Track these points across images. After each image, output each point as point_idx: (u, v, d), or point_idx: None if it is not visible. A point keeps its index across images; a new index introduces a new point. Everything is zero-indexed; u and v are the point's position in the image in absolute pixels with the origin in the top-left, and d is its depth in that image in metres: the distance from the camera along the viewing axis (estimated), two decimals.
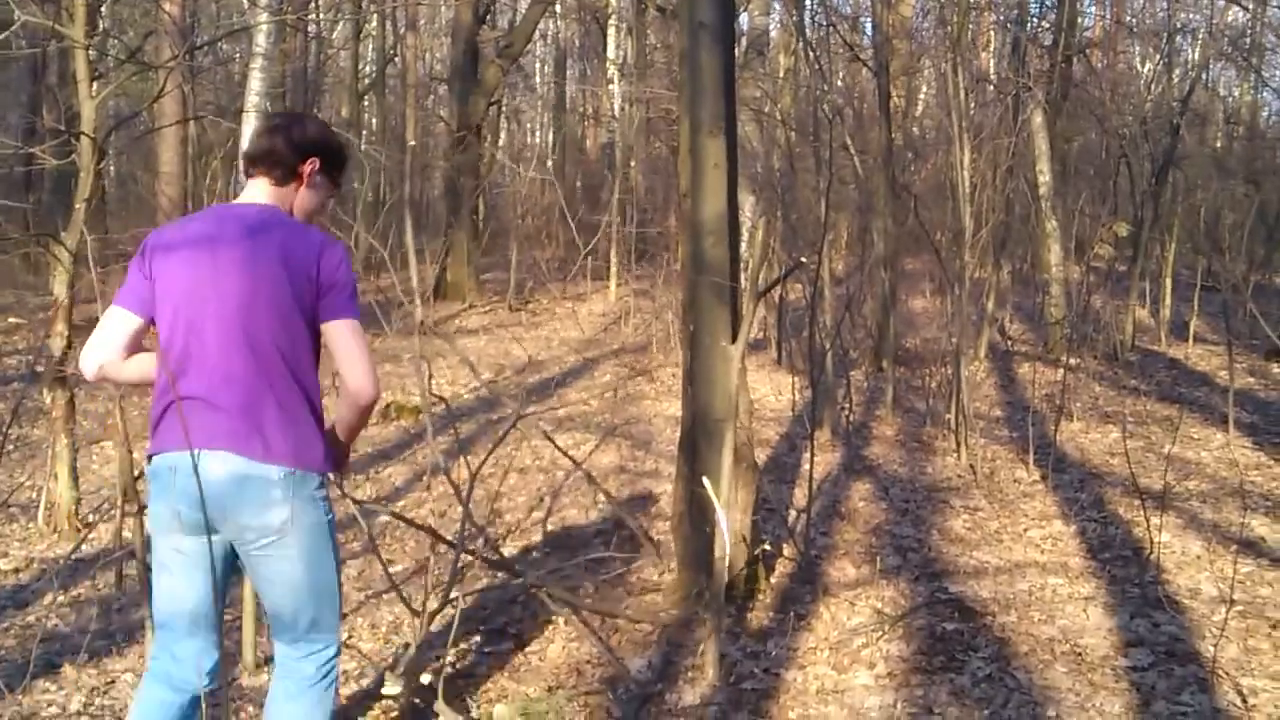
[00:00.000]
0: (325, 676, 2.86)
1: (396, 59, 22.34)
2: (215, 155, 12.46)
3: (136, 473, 4.33)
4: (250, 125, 12.12)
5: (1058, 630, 4.23)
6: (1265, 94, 21.64)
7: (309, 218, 2.84)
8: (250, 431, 2.60)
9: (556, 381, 9.47)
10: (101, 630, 4.32)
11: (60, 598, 4.68)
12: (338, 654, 2.90)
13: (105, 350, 2.69)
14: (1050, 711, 3.57)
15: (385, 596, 4.59)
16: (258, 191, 2.77)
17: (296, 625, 2.79)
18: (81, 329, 5.95)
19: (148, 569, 3.96)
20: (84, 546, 5.29)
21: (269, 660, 3.99)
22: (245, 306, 2.61)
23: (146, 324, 2.69)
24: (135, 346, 2.71)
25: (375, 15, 20.35)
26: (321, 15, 19.38)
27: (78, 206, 5.40)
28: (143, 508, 4.01)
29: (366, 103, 23.01)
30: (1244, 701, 3.58)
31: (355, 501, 3.42)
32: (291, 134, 2.77)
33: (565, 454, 5.39)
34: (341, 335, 2.65)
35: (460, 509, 5.70)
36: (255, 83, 12.24)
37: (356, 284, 2.73)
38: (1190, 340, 10.80)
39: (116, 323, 2.69)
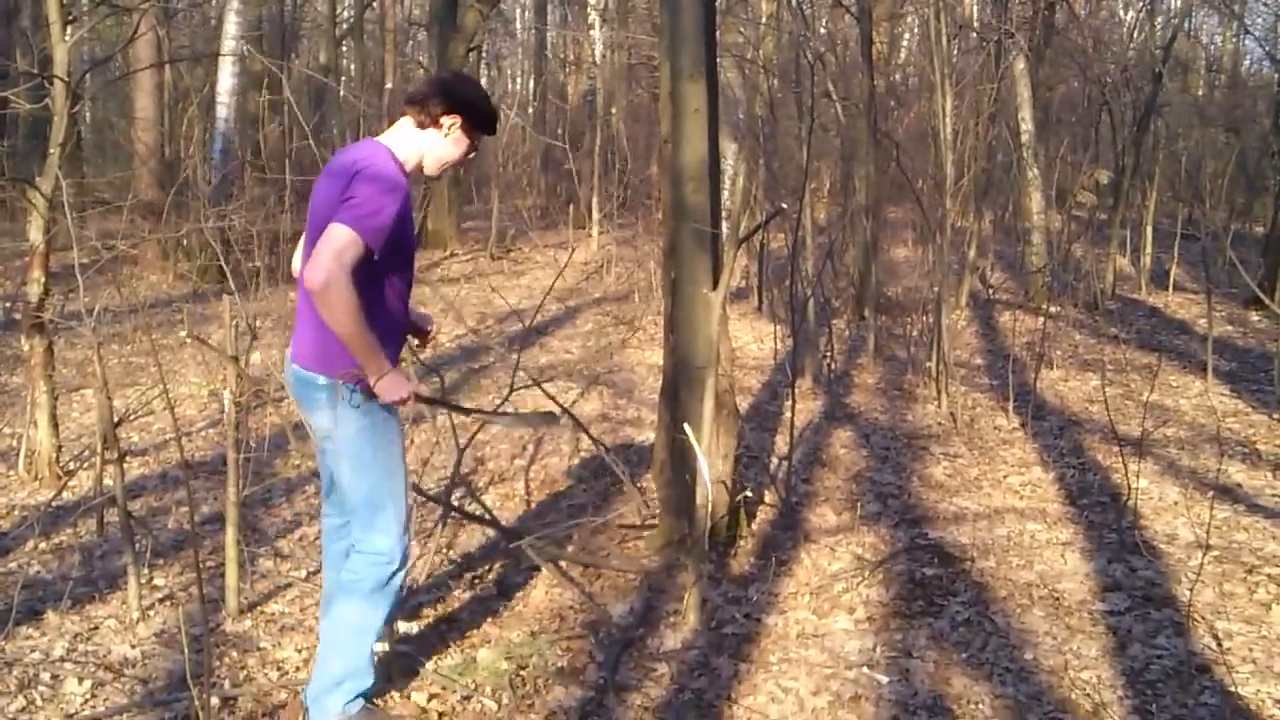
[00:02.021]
0: (373, 581, 3.07)
1: (375, 3, 22.05)
2: (192, 100, 12.29)
3: (116, 420, 4.32)
4: (227, 69, 12.00)
5: (1036, 575, 4.28)
6: (1247, 42, 21.60)
7: (442, 166, 3.12)
8: (299, 342, 3.03)
9: (539, 330, 9.46)
10: (84, 577, 4.32)
11: (42, 544, 4.67)
12: (392, 565, 3.08)
13: (299, 261, 3.12)
14: (1028, 655, 3.61)
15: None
16: (398, 127, 3.07)
17: (355, 521, 3.12)
18: (58, 275, 5.91)
19: (129, 515, 3.97)
20: (65, 493, 5.28)
21: (253, 606, 4.01)
22: (311, 230, 2.95)
23: None
24: None
25: None
26: None
27: (52, 151, 5.33)
28: (123, 455, 4.01)
29: (345, 48, 22.74)
30: (1219, 645, 3.63)
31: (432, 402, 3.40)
32: (447, 87, 3.05)
33: (555, 401, 5.39)
34: (327, 232, 2.79)
35: (440, 455, 5.72)
36: (231, 26, 12.09)
37: (375, 206, 2.81)
38: (1170, 288, 10.86)
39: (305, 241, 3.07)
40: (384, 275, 2.94)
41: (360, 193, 2.81)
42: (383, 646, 3.52)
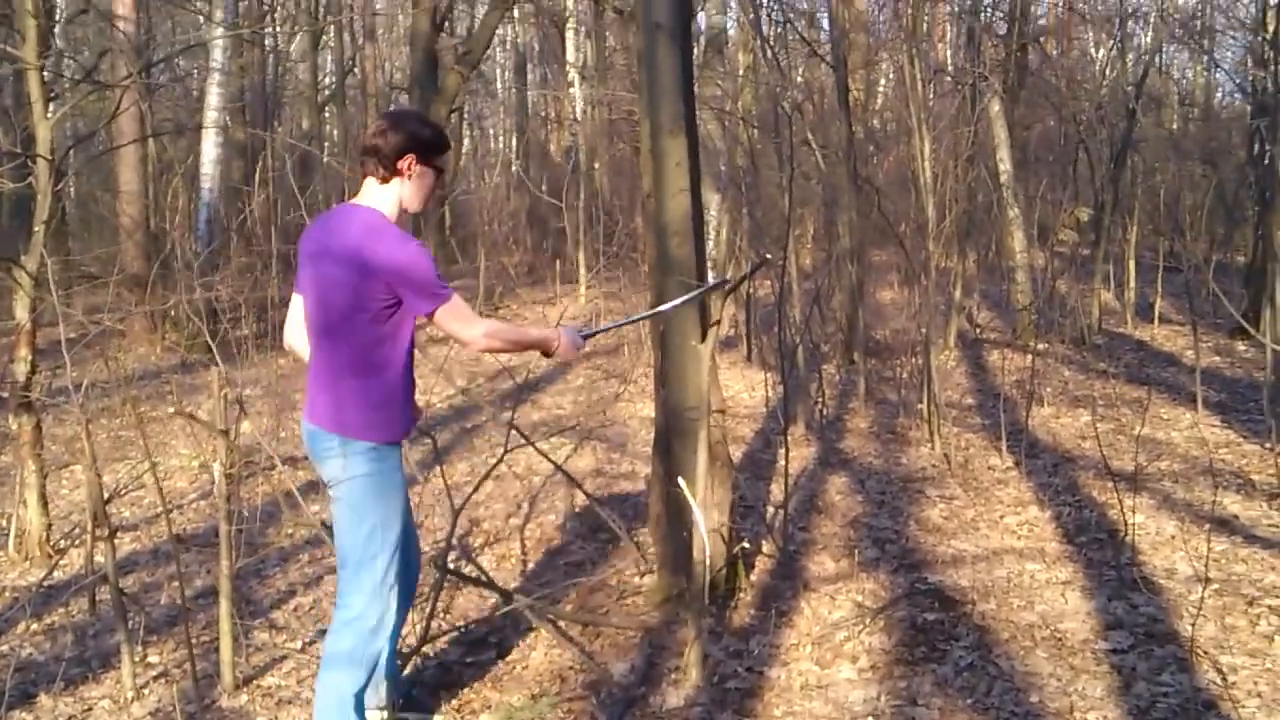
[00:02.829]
0: (350, 644, 3.14)
1: (355, 70, 22.24)
2: (176, 172, 12.35)
3: (106, 496, 4.29)
4: (210, 140, 12.07)
5: (1037, 616, 4.25)
6: (1218, 75, 21.85)
7: (423, 202, 3.26)
8: (314, 404, 3.17)
9: (530, 386, 9.45)
10: (77, 657, 4.27)
11: (34, 625, 4.62)
12: (368, 625, 3.16)
13: (290, 328, 3.32)
14: (1033, 697, 3.59)
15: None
16: (365, 188, 3.20)
17: (341, 576, 3.23)
18: (45, 352, 5.89)
19: (121, 593, 3.93)
20: (56, 572, 5.23)
21: (249, 680, 3.96)
22: (321, 308, 3.11)
23: None
24: None
25: (332, 26, 20.25)
26: (278, 28, 19.26)
27: (37, 229, 5.34)
28: (114, 531, 3.98)
29: (327, 114, 22.90)
30: (1223, 679, 3.61)
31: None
32: (387, 139, 3.14)
33: (548, 458, 5.39)
34: (439, 323, 3.10)
35: (435, 518, 5.69)
36: (213, 98, 12.18)
37: (423, 270, 3.05)
38: (1155, 321, 10.90)
39: (295, 305, 3.26)
40: (403, 327, 3.12)
41: (408, 274, 3.02)
42: (382, 716, 3.48)
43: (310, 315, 3.17)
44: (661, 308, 4.06)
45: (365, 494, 3.13)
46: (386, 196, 3.18)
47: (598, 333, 3.79)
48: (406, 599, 3.55)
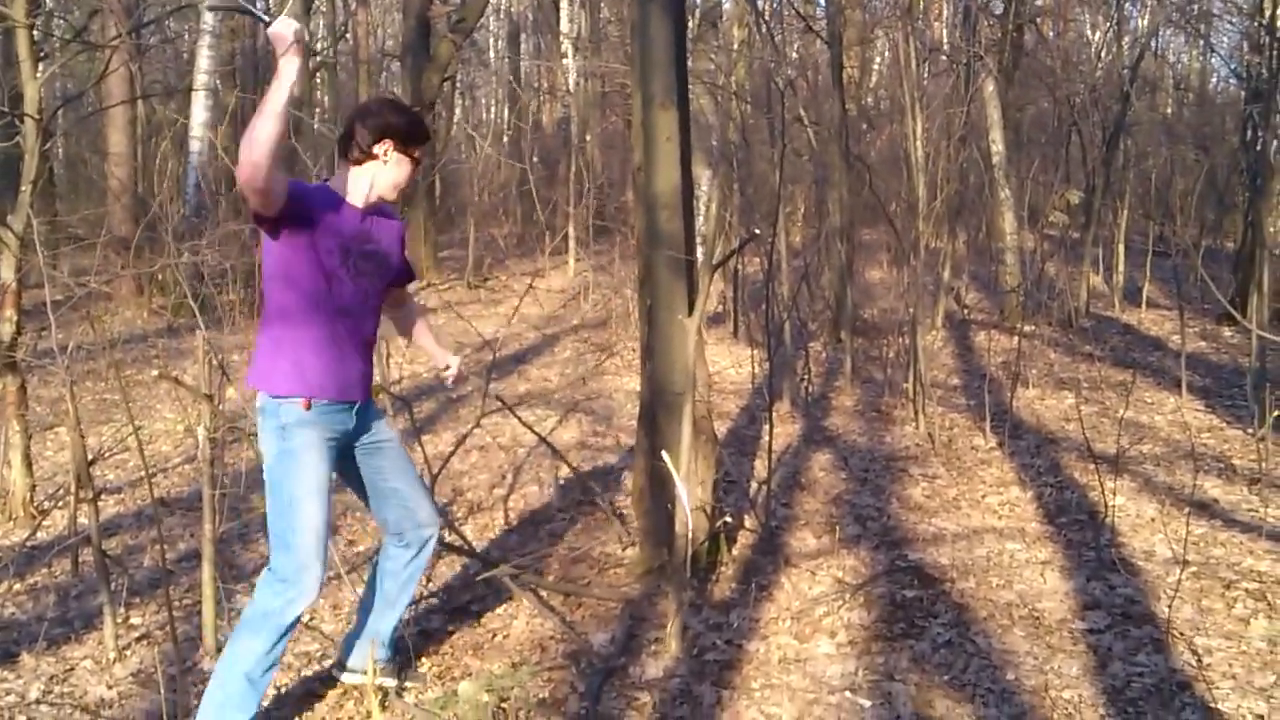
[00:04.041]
0: (264, 605, 3.09)
1: (348, 36, 22.09)
2: (165, 135, 12.27)
3: (90, 458, 4.29)
4: (200, 103, 11.99)
5: (1016, 595, 4.28)
6: (1213, 60, 21.86)
7: (396, 188, 3.24)
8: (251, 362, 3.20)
9: (518, 358, 9.45)
10: (59, 617, 4.28)
11: (16, 585, 4.63)
12: (288, 593, 3.10)
13: None
14: (1009, 675, 3.62)
15: (349, 576, 4.57)
16: (343, 171, 3.21)
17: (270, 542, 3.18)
18: (31, 313, 5.87)
19: (104, 555, 3.94)
20: (39, 533, 5.23)
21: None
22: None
23: None
24: None
25: None
26: None
27: (24, 189, 5.31)
28: (98, 493, 3.98)
29: (319, 80, 22.75)
30: (1198, 661, 3.65)
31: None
32: (367, 119, 3.16)
33: (531, 429, 5.39)
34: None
35: None
36: (203, 61, 12.11)
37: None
38: (1143, 305, 10.94)
39: None
40: (293, 264, 3.09)
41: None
42: (364, 679, 3.50)
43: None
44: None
45: (278, 471, 3.12)
46: (356, 177, 3.20)
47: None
48: (409, 583, 3.54)
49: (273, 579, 3.12)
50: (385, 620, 3.54)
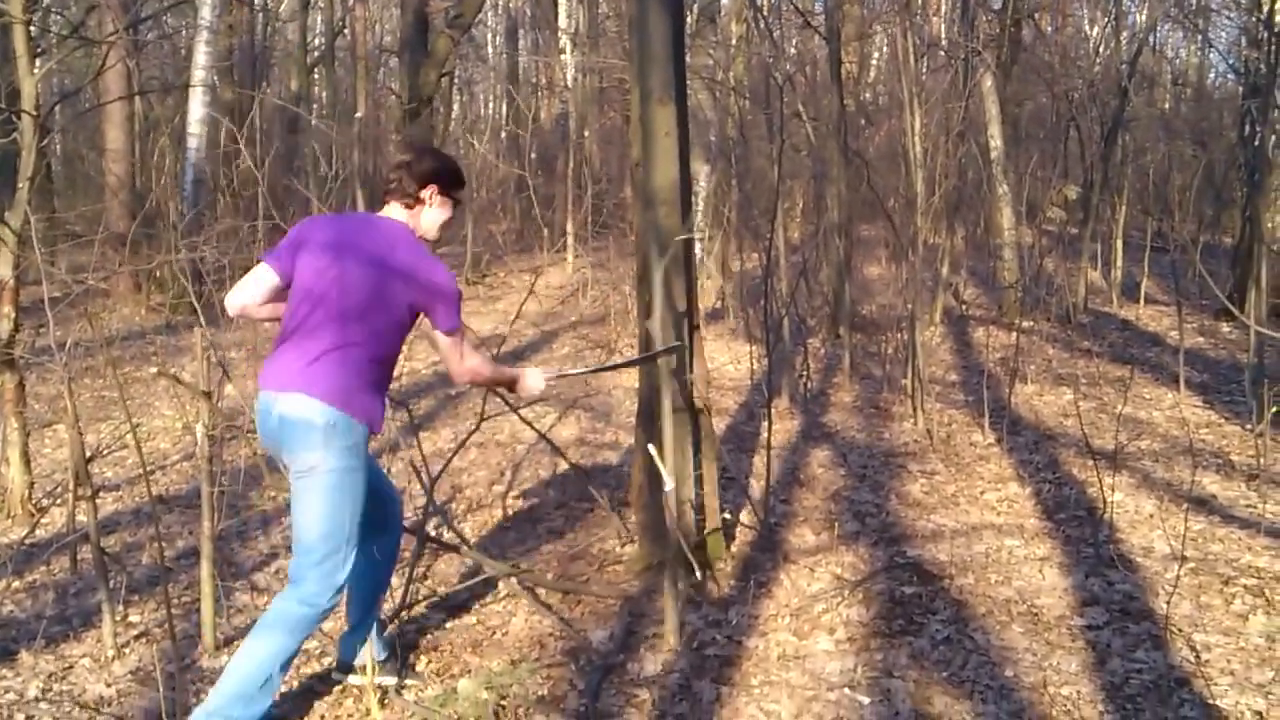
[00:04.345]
0: (294, 620, 3.19)
1: (345, 31, 22.04)
2: (163, 131, 12.26)
3: (88, 455, 4.28)
4: (197, 100, 11.98)
5: (1014, 591, 4.29)
6: (1211, 55, 21.85)
7: (441, 230, 3.48)
8: (311, 375, 3.20)
9: (516, 355, 9.45)
10: (58, 615, 4.27)
11: (15, 583, 4.63)
12: (315, 611, 3.22)
13: (248, 294, 3.32)
14: (1008, 671, 3.62)
15: None
16: (390, 209, 3.40)
17: (300, 557, 3.25)
18: (29, 310, 5.86)
19: (102, 552, 3.94)
20: (38, 531, 5.23)
21: (229, 641, 3.98)
22: (341, 291, 3.21)
23: (282, 286, 3.30)
24: (270, 298, 3.34)
25: None
26: None
27: (21, 186, 5.30)
28: (96, 490, 3.98)
29: (316, 76, 22.70)
30: (1197, 658, 3.65)
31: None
32: (412, 169, 3.37)
33: (530, 425, 5.39)
34: (440, 341, 3.36)
35: (419, 486, 5.69)
36: (201, 57, 12.07)
37: (451, 291, 3.30)
38: (1141, 301, 10.93)
39: (262, 275, 3.31)
40: (405, 330, 3.34)
41: (444, 293, 3.27)
42: (363, 678, 3.50)
43: (322, 301, 3.21)
44: (619, 362, 4.28)
45: (343, 486, 3.20)
46: (413, 221, 3.40)
47: (562, 376, 4.00)
48: (388, 564, 3.58)
49: (313, 590, 3.19)
50: (369, 619, 3.59)
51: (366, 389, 3.22)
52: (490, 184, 18.10)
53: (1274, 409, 5.71)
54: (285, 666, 3.20)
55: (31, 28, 5.72)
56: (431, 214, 3.43)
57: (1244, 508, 5.18)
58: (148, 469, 4.86)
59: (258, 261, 3.35)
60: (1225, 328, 9.85)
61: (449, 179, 3.44)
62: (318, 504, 3.18)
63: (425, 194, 3.38)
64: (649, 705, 3.48)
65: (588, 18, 18.67)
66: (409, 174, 3.36)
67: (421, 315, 3.33)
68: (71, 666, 3.84)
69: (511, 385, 3.60)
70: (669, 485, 3.83)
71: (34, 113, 5.33)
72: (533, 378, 3.61)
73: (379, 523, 3.51)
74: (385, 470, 6.14)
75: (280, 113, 16.53)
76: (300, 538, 3.21)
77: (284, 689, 3.63)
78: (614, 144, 16.68)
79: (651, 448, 3.97)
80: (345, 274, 3.21)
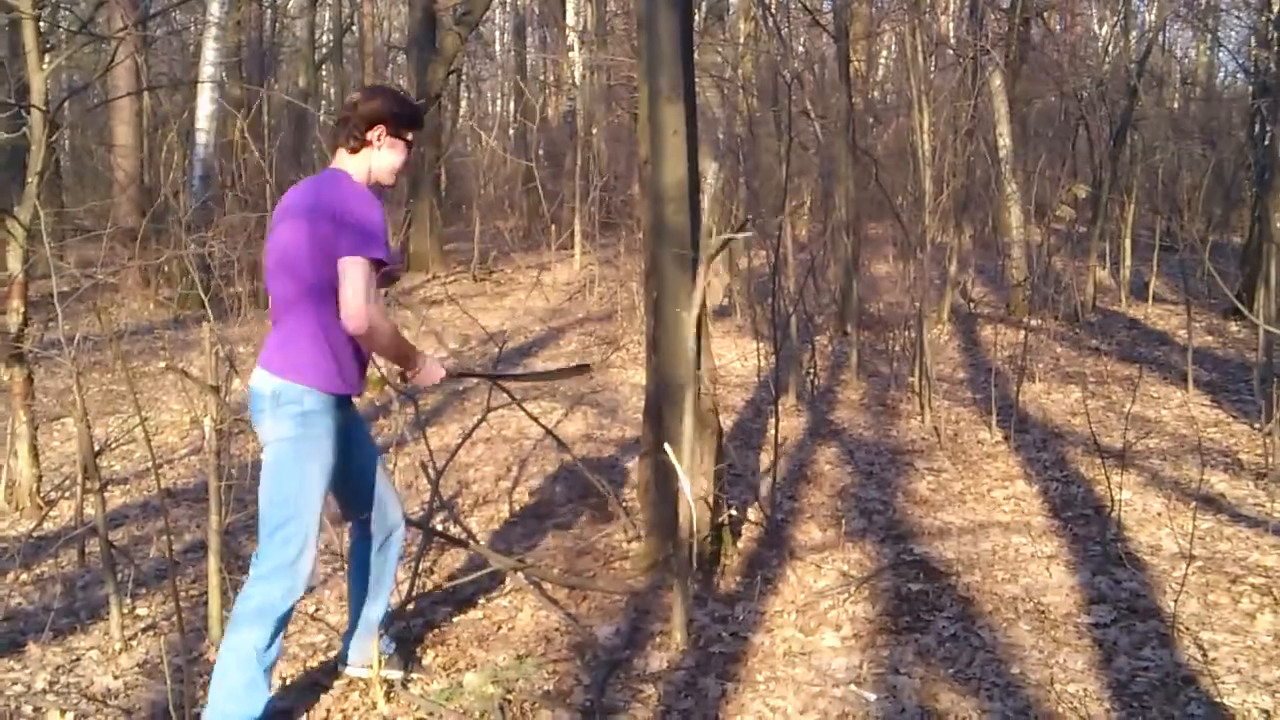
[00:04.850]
0: (259, 601, 3.11)
1: (354, 28, 22.09)
2: (171, 127, 12.28)
3: (97, 449, 4.29)
4: (206, 95, 11.99)
5: (1021, 589, 4.28)
6: (1220, 55, 21.80)
7: (393, 173, 3.30)
8: (266, 347, 3.20)
9: (523, 351, 9.46)
10: (65, 608, 4.28)
11: (23, 575, 4.64)
12: (281, 586, 3.13)
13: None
14: (1014, 669, 3.61)
15: None
16: (337, 157, 3.25)
17: (259, 535, 3.18)
18: (38, 304, 5.88)
19: (110, 545, 3.94)
20: (46, 524, 5.24)
21: None
22: (281, 269, 3.14)
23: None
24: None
25: None
26: None
27: (30, 180, 5.32)
28: (104, 484, 3.98)
29: (324, 72, 22.75)
30: (1204, 656, 3.64)
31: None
32: (359, 107, 3.22)
33: (537, 421, 5.38)
34: (342, 270, 3.02)
35: (424, 480, 5.70)
36: (210, 53, 12.08)
37: (365, 221, 3.05)
38: (1150, 300, 10.91)
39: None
40: (333, 284, 3.08)
41: (352, 211, 3.04)
42: (369, 672, 3.51)
43: (270, 272, 3.19)
44: (528, 377, 4.22)
45: (288, 454, 3.13)
46: (355, 165, 3.23)
47: (463, 374, 3.91)
48: (393, 560, 3.56)
49: (268, 568, 3.11)
50: (374, 610, 3.55)
51: (322, 352, 3.11)
52: (498, 180, 18.11)
53: None
54: (268, 659, 3.12)
55: (41, 23, 5.74)
56: (381, 156, 3.26)
57: (1252, 506, 5.17)
58: (156, 463, 4.87)
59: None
60: (1234, 327, 9.82)
61: (399, 118, 3.26)
62: (269, 473, 3.14)
63: (372, 135, 3.21)
64: (655, 701, 3.48)
65: (595, 15, 18.66)
66: (355, 115, 3.21)
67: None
68: (79, 659, 3.85)
69: (407, 363, 3.34)
70: (685, 483, 3.83)
71: (43, 108, 5.35)
72: (433, 365, 3.39)
73: (378, 518, 3.49)
74: (391, 465, 6.17)
75: (288, 108, 16.56)
76: (259, 511, 3.16)
77: (289, 682, 3.65)
78: (622, 141, 16.67)
79: (668, 446, 3.97)
80: (280, 241, 3.14)
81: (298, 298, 3.10)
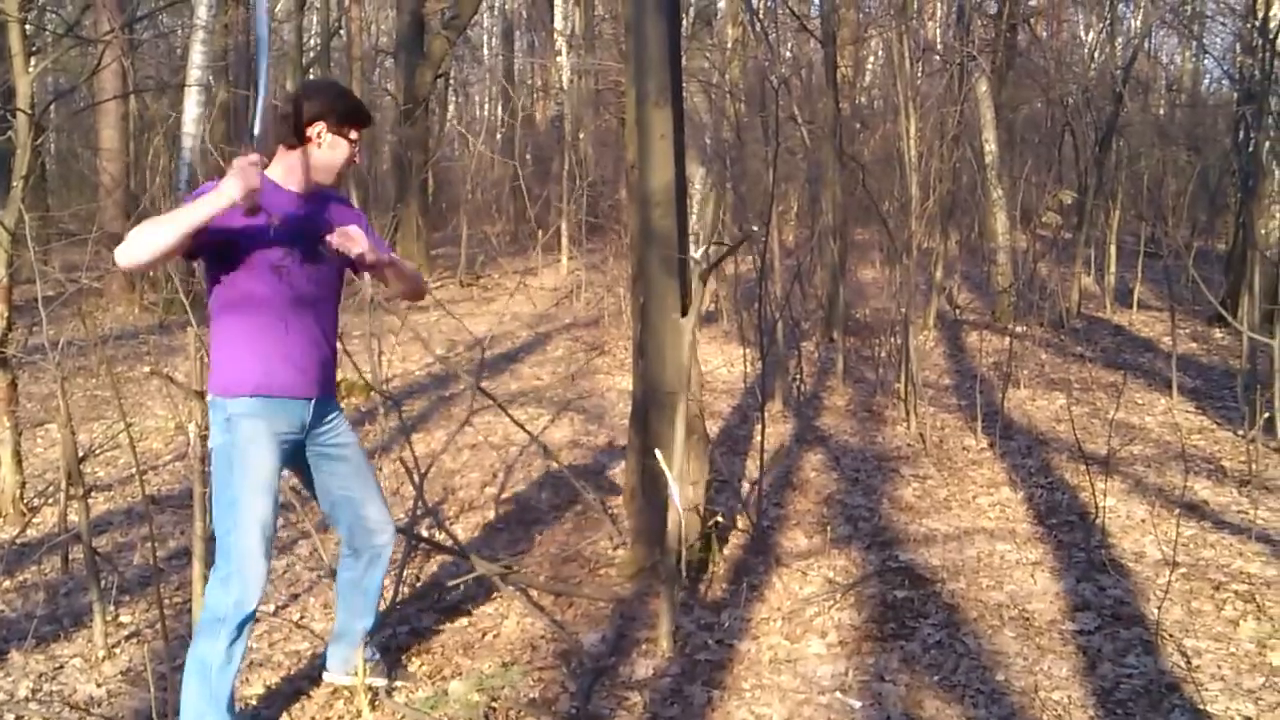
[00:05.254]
0: (211, 611, 3.06)
1: (341, 31, 22.04)
2: (157, 131, 12.24)
3: (81, 455, 4.28)
4: (192, 99, 11.96)
5: (1006, 595, 4.29)
6: (1206, 61, 21.90)
7: (332, 172, 3.20)
8: None
9: (509, 357, 9.45)
10: (48, 615, 4.27)
11: (6, 583, 4.62)
12: (229, 597, 3.05)
13: None
14: (999, 676, 3.62)
15: None
16: (277, 159, 3.16)
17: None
18: (22, 308, 5.85)
19: (94, 552, 3.93)
20: (29, 530, 5.22)
21: None
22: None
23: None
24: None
25: None
26: None
27: (15, 184, 5.29)
28: (88, 490, 3.97)
29: (312, 76, 22.67)
30: (1188, 663, 3.66)
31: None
32: (297, 102, 3.12)
33: (522, 427, 5.39)
34: None
35: (408, 486, 5.69)
36: (197, 56, 12.07)
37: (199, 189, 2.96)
38: (1134, 306, 10.95)
39: None
40: (231, 272, 3.06)
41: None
42: (354, 680, 3.50)
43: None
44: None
45: (223, 460, 3.09)
46: (287, 161, 3.16)
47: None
48: (378, 569, 3.53)
49: (216, 579, 3.07)
50: (362, 622, 3.53)
51: (239, 354, 3.08)
52: (485, 185, 18.09)
53: (1266, 415, 5.73)
54: (230, 670, 3.07)
55: (27, 26, 5.72)
56: (322, 154, 3.15)
57: (1235, 513, 5.19)
58: (140, 469, 4.86)
59: None
60: (1218, 333, 9.87)
61: (340, 113, 3.15)
62: (213, 483, 3.13)
63: (312, 132, 3.12)
64: (640, 708, 3.48)
65: (583, 20, 18.68)
66: (292, 111, 3.12)
67: (230, 240, 2.99)
68: (62, 666, 3.83)
69: (211, 201, 2.88)
70: (675, 491, 3.83)
71: (29, 111, 5.33)
72: (238, 170, 2.87)
73: (350, 539, 3.45)
74: (379, 469, 6.15)
75: (275, 113, 16.49)
76: None
77: (274, 689, 3.63)
78: (609, 146, 16.68)
79: (659, 453, 3.97)
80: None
81: (211, 306, 3.12)
